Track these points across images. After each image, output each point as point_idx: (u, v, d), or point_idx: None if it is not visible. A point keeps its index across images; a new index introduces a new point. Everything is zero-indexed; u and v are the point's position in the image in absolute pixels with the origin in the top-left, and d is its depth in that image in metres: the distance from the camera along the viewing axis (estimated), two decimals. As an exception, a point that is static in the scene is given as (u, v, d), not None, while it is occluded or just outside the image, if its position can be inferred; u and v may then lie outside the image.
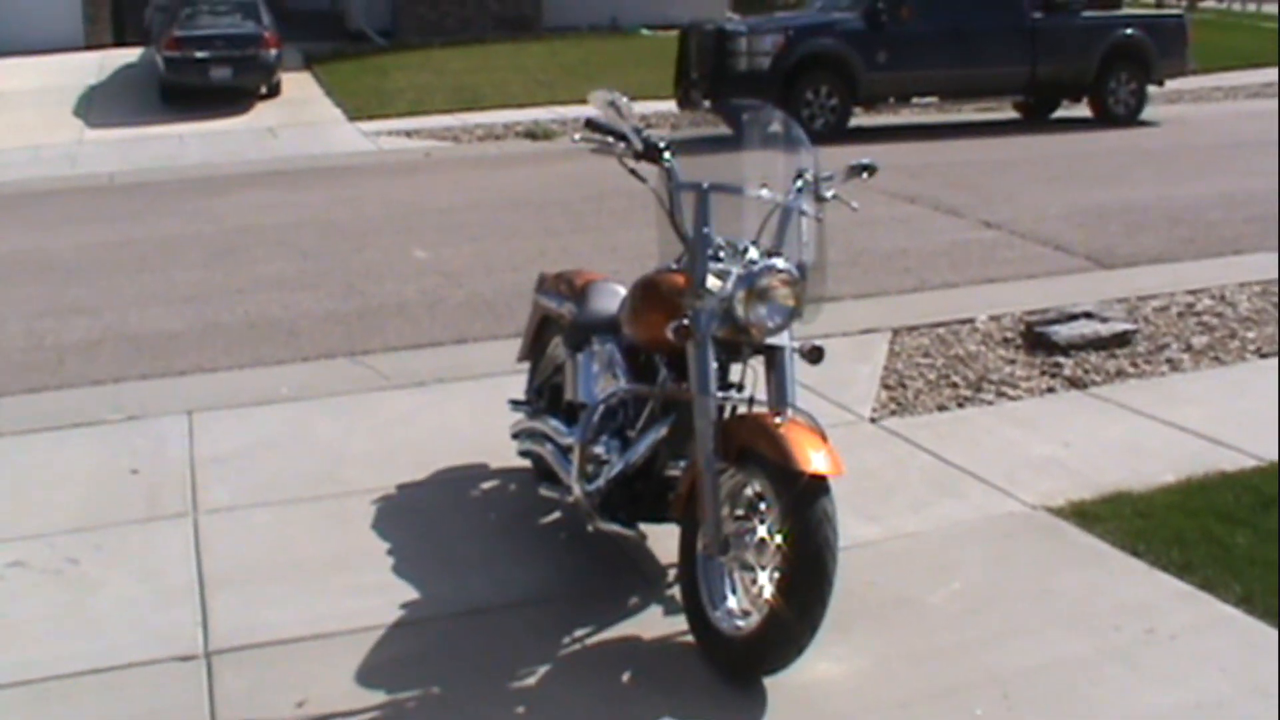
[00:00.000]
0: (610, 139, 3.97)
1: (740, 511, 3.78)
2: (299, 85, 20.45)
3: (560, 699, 3.72)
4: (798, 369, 3.95)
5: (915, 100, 16.16)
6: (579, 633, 4.08)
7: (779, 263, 3.78)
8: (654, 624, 4.11)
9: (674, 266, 4.09)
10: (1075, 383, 6.38)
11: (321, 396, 6.68)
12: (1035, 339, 6.99)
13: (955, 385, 6.44)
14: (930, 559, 4.48)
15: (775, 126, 4.23)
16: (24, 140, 16.97)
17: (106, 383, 7.18)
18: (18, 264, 10.31)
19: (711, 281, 3.82)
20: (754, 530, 3.70)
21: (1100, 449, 5.46)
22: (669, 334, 3.76)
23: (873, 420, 5.95)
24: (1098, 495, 4.94)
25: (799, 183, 4.05)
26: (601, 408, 4.18)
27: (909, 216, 10.74)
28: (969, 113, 17.54)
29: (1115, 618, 4.00)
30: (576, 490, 4.12)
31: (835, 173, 4.18)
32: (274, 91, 19.63)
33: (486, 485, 5.38)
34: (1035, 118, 17.16)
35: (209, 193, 13.53)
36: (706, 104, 15.69)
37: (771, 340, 3.85)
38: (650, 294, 4.11)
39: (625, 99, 3.89)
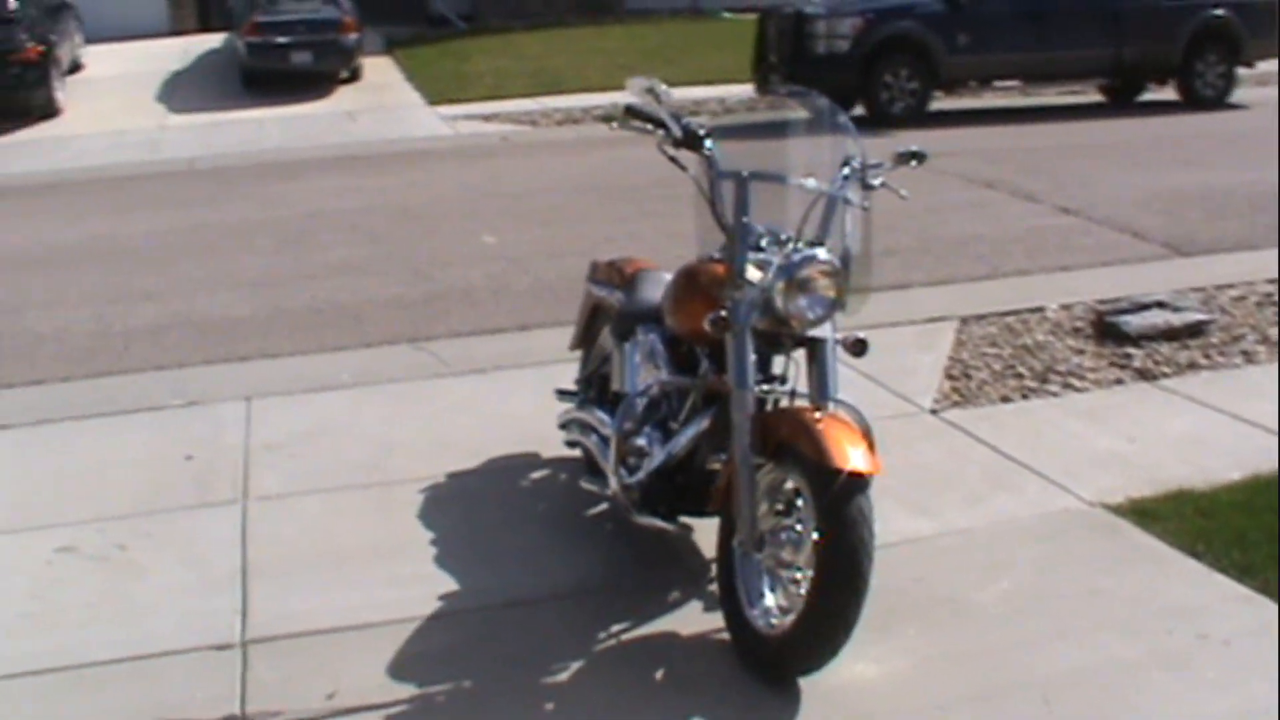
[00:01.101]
0: (649, 126, 3.88)
1: (779, 507, 3.69)
2: (379, 70, 20.54)
3: (591, 695, 3.67)
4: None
5: (997, 84, 15.83)
6: (616, 627, 4.02)
7: (820, 253, 3.68)
8: (693, 620, 4.04)
9: (716, 256, 4.01)
10: (1144, 374, 6.19)
11: (381, 383, 6.68)
12: (1105, 329, 6.81)
13: (1021, 376, 6.28)
14: (980, 556, 4.37)
15: (821, 113, 4.11)
16: (107, 126, 17.21)
17: (170, 368, 7.22)
18: (91, 249, 10.45)
19: (751, 272, 3.74)
20: (791, 527, 3.61)
21: (1165, 444, 5.29)
22: (706, 325, 3.68)
23: (933, 411, 5.82)
24: (1159, 492, 4.78)
25: (845, 171, 3.93)
26: (639, 399, 4.12)
27: (984, 201, 10.53)
28: (1052, 96, 17.15)
29: (1167, 621, 3.87)
30: (613, 483, 4.06)
31: (883, 160, 4.06)
32: (354, 76, 19.73)
33: (536, 475, 5.34)
34: (1120, 101, 16.76)
35: (285, 177, 13.63)
36: (783, 88, 15.49)
37: (813, 332, 3.75)
38: (690, 284, 4.04)
39: (664, 86, 3.81)
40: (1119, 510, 4.65)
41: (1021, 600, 4.05)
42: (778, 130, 4.15)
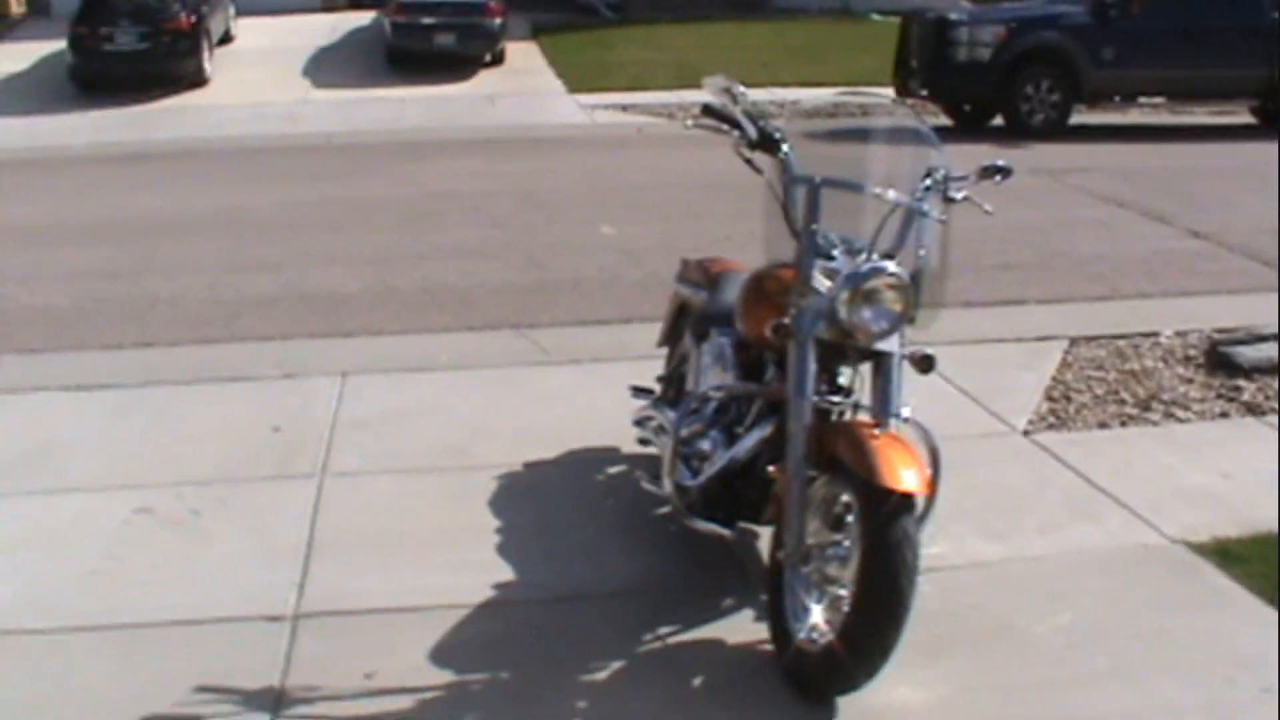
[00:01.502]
0: (725, 126, 3.82)
1: (831, 522, 3.61)
2: (524, 55, 20.73)
3: (623, 697, 3.64)
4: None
5: (1142, 100, 15.37)
6: (664, 630, 3.98)
7: (888, 264, 3.59)
8: (742, 628, 3.98)
9: (787, 262, 3.93)
10: (1252, 409, 5.95)
11: (477, 368, 6.73)
12: (1218, 359, 6.56)
13: (1122, 402, 6.08)
14: (1046, 586, 4.23)
15: (907, 123, 4.02)
16: (251, 97, 17.64)
17: (275, 339, 7.37)
18: (219, 218, 10.72)
19: (819, 280, 3.66)
20: (840, 543, 3.54)
21: (1261, 482, 5.07)
22: (768, 332, 3.62)
23: (1026, 433, 5.66)
24: (1246, 533, 4.58)
25: (926, 182, 3.83)
26: (698, 402, 4.06)
27: (1113, 220, 10.23)
28: (1200, 116, 16.62)
29: (1231, 670, 3.69)
30: (667, 484, 4.01)
31: (968, 174, 3.94)
32: (498, 60, 19.95)
33: (613, 470, 5.32)
34: (1273, 124, 16.13)
35: (418, 157, 13.82)
36: (924, 93, 15.25)
37: (879, 345, 3.65)
38: (758, 289, 3.98)
39: (741, 87, 3.75)
40: (1201, 549, 4.47)
41: (1080, 635, 3.91)
42: (861, 137, 4.05)
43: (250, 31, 21.79)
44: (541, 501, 4.98)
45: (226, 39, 20.89)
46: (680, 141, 14.85)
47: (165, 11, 17.51)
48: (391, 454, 5.51)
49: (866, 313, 3.56)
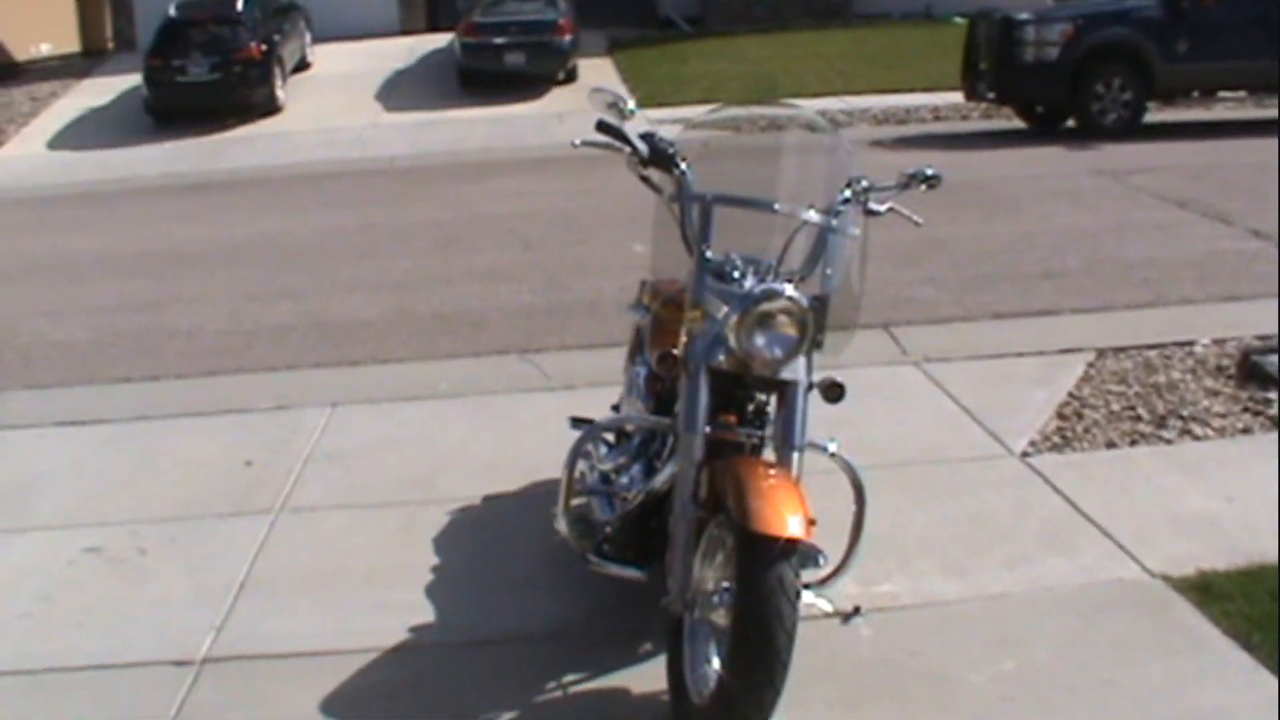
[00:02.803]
0: (617, 144, 3.59)
1: (721, 566, 3.34)
2: (597, 71, 20.57)
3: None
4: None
5: (1223, 94, 14.72)
6: (570, 677, 3.78)
7: (781, 286, 3.32)
8: (652, 676, 3.73)
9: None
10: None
11: (470, 395, 6.58)
12: (1250, 369, 6.13)
13: (1138, 419, 5.70)
14: (997, 629, 3.92)
15: (822, 133, 3.75)
16: (323, 123, 17.74)
17: (281, 369, 7.29)
18: (254, 247, 10.72)
19: (713, 305, 3.41)
20: (726, 590, 3.26)
21: (1267, 506, 4.68)
22: (653, 363, 3.38)
23: (1024, 455, 5.32)
24: (1236, 565, 4.22)
25: (844, 194, 3.56)
26: (591, 437, 3.82)
27: (1171, 222, 9.73)
28: (1285, 109, 15.89)
29: (1177, 726, 3.36)
30: (560, 524, 3.77)
31: (891, 183, 3.66)
32: (571, 77, 19.84)
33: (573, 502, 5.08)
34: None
35: (474, 179, 13.75)
36: (991, 96, 14.79)
37: (783, 374, 3.38)
38: (661, 315, 3.73)
39: (629, 101, 3.51)
40: (1181, 585, 4.11)
41: (1021, 684, 3.60)
42: (773, 151, 3.79)
43: (327, 58, 21.95)
44: (488, 537, 4.81)
45: (303, 66, 21.07)
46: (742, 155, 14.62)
47: (236, 41, 17.71)
48: (354, 488, 5.36)
49: (759, 339, 3.31)
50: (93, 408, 6.67)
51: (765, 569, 3.00)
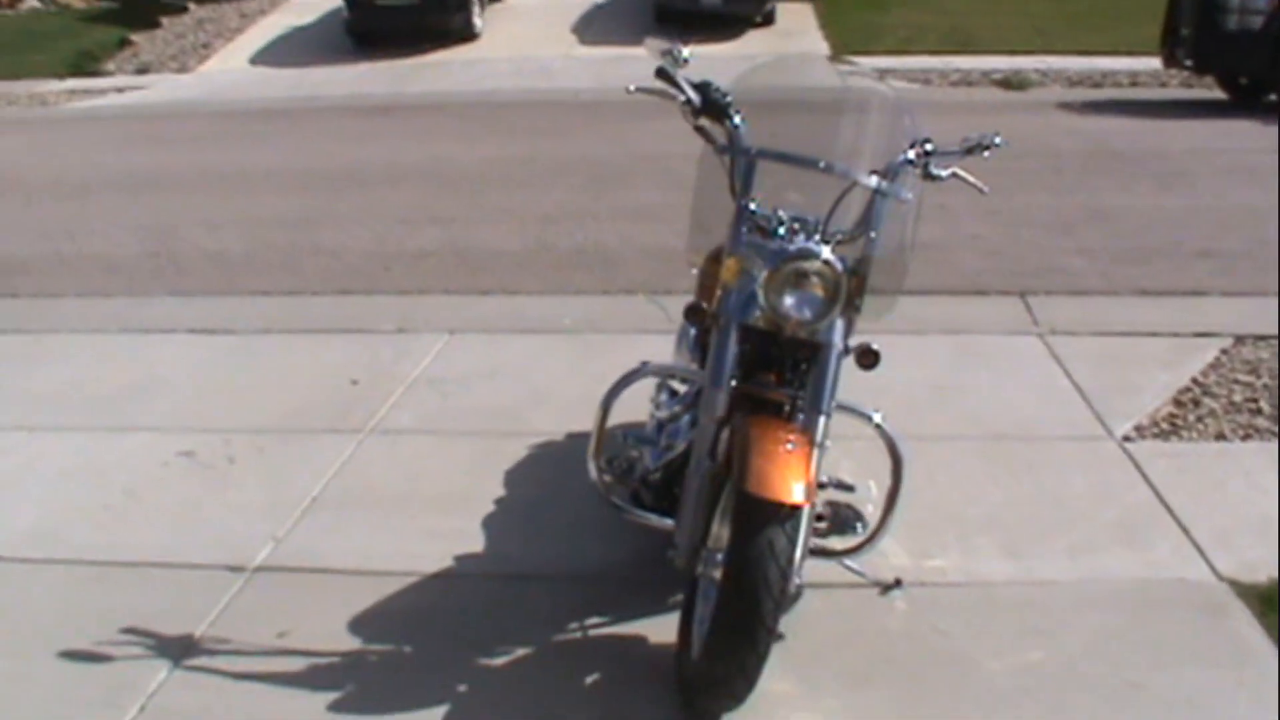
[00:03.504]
0: (672, 92, 3.53)
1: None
2: (796, 16, 20.31)
3: (513, 685, 3.50)
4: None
5: None
6: (595, 619, 3.82)
7: (815, 246, 3.25)
8: (671, 628, 3.69)
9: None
10: None
11: (591, 332, 6.62)
12: (1391, 374, 5.76)
13: (1257, 412, 5.43)
14: (1035, 617, 3.79)
15: (885, 92, 3.64)
16: (516, 52, 17.92)
17: (412, 294, 7.42)
18: (416, 171, 10.92)
19: (753, 260, 3.35)
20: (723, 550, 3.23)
21: (1370, 517, 4.40)
22: (683, 314, 3.35)
23: (1125, 440, 5.11)
24: (1313, 579, 3.98)
25: (905, 156, 3.46)
26: (621, 386, 3.78)
27: (1358, 206, 9.15)
28: None
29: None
30: (591, 469, 3.76)
31: (955, 148, 3.53)
32: (768, 20, 19.62)
33: (655, 445, 5.09)
34: None
35: (647, 116, 13.56)
36: (1189, 64, 14.09)
37: (815, 335, 3.32)
38: (706, 270, 3.68)
39: (684, 49, 3.45)
40: (1245, 591, 3.91)
41: (1040, 677, 3.48)
42: (832, 108, 3.69)
43: (527, -15, 22.19)
44: (558, 473, 4.85)
45: (504, -6, 21.34)
46: (924, 110, 14.23)
47: (431, -33, 18.02)
48: (445, 415, 5.46)
49: (788, 299, 3.25)
50: (226, 317, 6.93)
51: (756, 531, 2.96)
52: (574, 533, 4.34)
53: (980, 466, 4.83)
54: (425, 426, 5.32)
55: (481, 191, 10.01)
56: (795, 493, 2.99)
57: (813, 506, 3.22)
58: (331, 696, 3.40)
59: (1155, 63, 15.51)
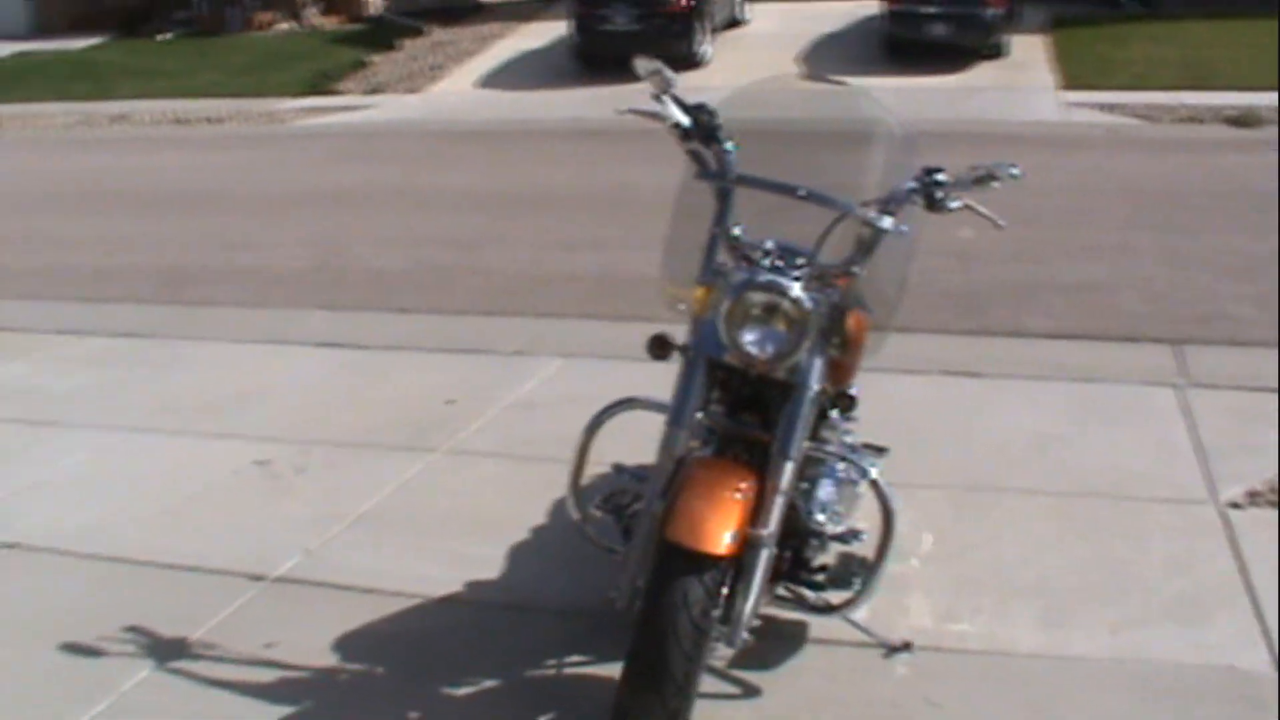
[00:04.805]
0: (661, 115, 3.41)
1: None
2: (1028, 48, 19.64)
3: (463, 715, 3.39)
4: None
5: None
6: (574, 656, 3.73)
7: (779, 278, 3.08)
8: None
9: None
10: None
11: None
12: None
13: (1395, 492, 4.89)
14: (1046, 696, 3.50)
15: (886, 119, 3.45)
16: (738, 80, 17.70)
17: (548, 316, 7.42)
18: (593, 195, 11.01)
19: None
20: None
21: None
22: (647, 347, 3.22)
23: (1231, 505, 4.68)
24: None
25: (909, 185, 3.26)
26: (602, 417, 3.66)
27: None
28: None
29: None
30: (571, 508, 3.64)
31: (966, 177, 3.29)
32: (997, 52, 19.02)
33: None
34: None
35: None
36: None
37: (790, 375, 3.14)
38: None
39: (670, 72, 3.33)
40: (1299, 687, 3.50)
41: (1022, 760, 3.18)
42: (831, 135, 3.50)
43: (763, 16, 22.09)
44: (606, 506, 4.71)
45: (735, 23, 21.31)
46: (1142, 145, 13.64)
47: (660, -5, 18.15)
48: (522, 440, 5.43)
49: (747, 334, 3.09)
50: (360, 333, 7.10)
51: (670, 580, 2.81)
52: (590, 566, 4.20)
53: (1053, 525, 4.51)
54: (498, 450, 5.31)
55: (647, 217, 9.94)
56: (718, 542, 2.83)
57: (763, 553, 3.03)
58: (284, 710, 3.40)
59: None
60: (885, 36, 19.36)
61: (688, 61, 18.73)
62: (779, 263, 3.25)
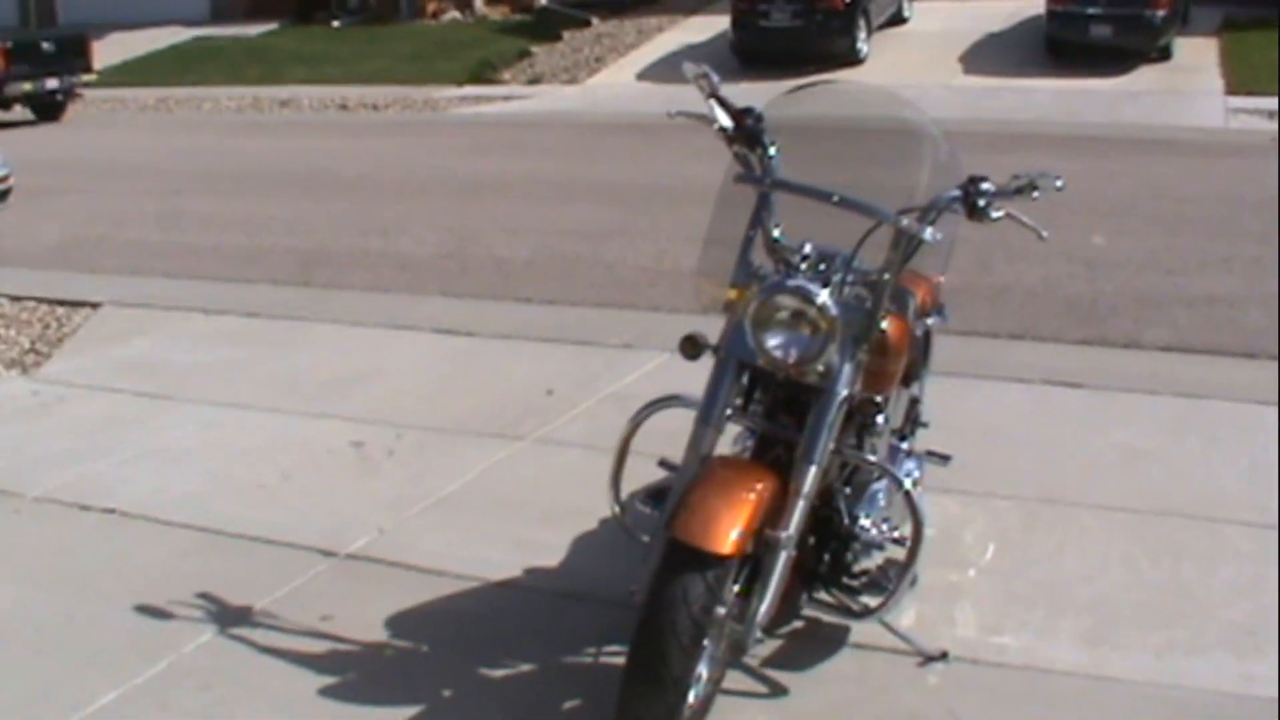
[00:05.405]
0: (709, 115, 3.49)
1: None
2: (1197, 51, 19.05)
3: (495, 698, 3.56)
4: None
5: None
6: (614, 645, 3.78)
7: (805, 282, 3.13)
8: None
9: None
10: None
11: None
12: None
13: None
14: (1068, 715, 3.46)
15: (929, 125, 3.47)
16: (895, 79, 17.61)
17: (662, 310, 7.53)
18: (684, 191, 10.98)
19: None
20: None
21: None
22: (679, 346, 3.31)
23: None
24: None
25: (953, 194, 3.28)
26: (643, 414, 3.73)
27: None
28: None
29: None
30: (609, 502, 3.74)
31: (1008, 187, 3.29)
32: (1164, 55, 18.50)
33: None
34: None
35: (973, 149, 13.23)
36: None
37: (821, 380, 3.19)
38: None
39: (714, 74, 3.40)
40: (1343, 723, 3.42)
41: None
42: (876, 141, 3.52)
43: (926, 14, 21.81)
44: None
45: (897, 20, 21.11)
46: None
47: (825, -9, 18.09)
48: (612, 432, 5.40)
49: (770, 338, 3.15)
50: (475, 320, 7.30)
51: (672, 576, 2.89)
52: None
53: (1121, 542, 4.45)
54: (586, 441, 5.41)
55: (784, 215, 9.98)
56: (723, 541, 2.89)
57: (781, 555, 3.10)
58: (326, 680, 3.57)
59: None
60: (1046, 37, 18.98)
61: (848, 59, 18.65)
62: (821, 266, 3.30)
